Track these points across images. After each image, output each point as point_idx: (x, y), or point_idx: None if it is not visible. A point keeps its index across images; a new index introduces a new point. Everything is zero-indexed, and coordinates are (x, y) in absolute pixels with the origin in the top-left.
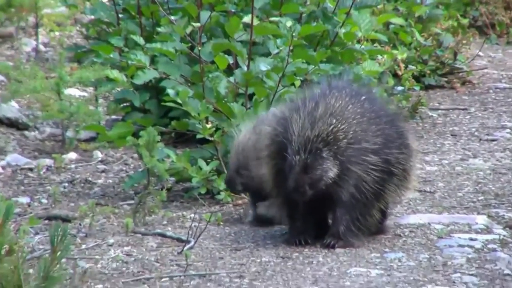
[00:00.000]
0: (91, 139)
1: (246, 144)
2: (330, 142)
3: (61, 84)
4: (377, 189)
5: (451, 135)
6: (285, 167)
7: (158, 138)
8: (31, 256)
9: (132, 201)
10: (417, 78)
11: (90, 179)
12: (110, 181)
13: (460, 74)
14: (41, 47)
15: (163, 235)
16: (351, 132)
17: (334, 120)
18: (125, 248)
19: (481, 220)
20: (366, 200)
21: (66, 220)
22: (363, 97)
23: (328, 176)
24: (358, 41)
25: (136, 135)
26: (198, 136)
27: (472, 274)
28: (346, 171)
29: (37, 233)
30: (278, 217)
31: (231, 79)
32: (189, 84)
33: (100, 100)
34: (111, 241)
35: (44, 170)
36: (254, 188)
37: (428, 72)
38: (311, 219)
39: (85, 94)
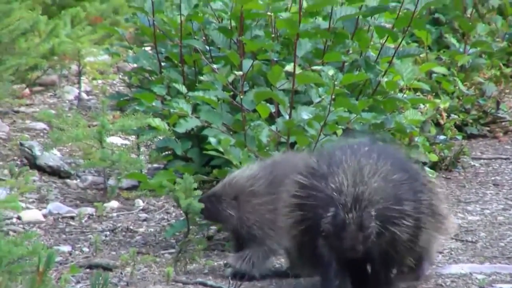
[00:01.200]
0: (133, 188)
1: (235, 183)
2: (374, 202)
3: (103, 132)
4: (410, 245)
5: (493, 184)
6: (326, 225)
7: (195, 185)
8: None
9: (173, 250)
10: (459, 127)
11: (131, 227)
12: (152, 229)
13: (503, 123)
14: (84, 95)
15: (204, 284)
16: (392, 192)
17: (379, 180)
18: None
19: None
20: (400, 256)
21: (107, 268)
22: (393, 154)
23: (374, 234)
24: (401, 90)
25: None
26: None
27: None
28: (384, 230)
29: (78, 282)
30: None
31: (273, 127)
32: (231, 132)
33: (142, 149)
34: None
35: (85, 218)
36: (220, 223)
37: (471, 121)
38: (345, 272)
39: (127, 142)
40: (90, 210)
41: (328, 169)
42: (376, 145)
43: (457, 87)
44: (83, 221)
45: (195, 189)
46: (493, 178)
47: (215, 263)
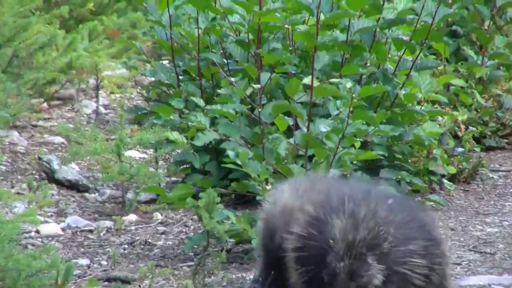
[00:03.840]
0: (151, 201)
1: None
2: (372, 246)
3: (121, 146)
4: None
5: None
6: (323, 275)
7: (218, 199)
8: None
9: (191, 263)
10: (478, 140)
11: (150, 240)
12: (170, 242)
13: None
14: (101, 109)
15: None
16: (393, 234)
17: (376, 223)
18: None
19: None
20: None
21: (125, 281)
22: (399, 201)
23: (373, 283)
24: (418, 103)
25: (196, 196)
26: (258, 198)
27: None
28: (392, 274)
29: None
30: None
31: (291, 140)
32: (249, 145)
33: (160, 162)
34: None
35: (104, 232)
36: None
37: (489, 133)
38: None
39: (145, 156)
40: (108, 223)
41: (325, 217)
42: (375, 190)
43: (475, 100)
44: (101, 234)
45: (217, 203)
46: (511, 190)
47: (233, 276)
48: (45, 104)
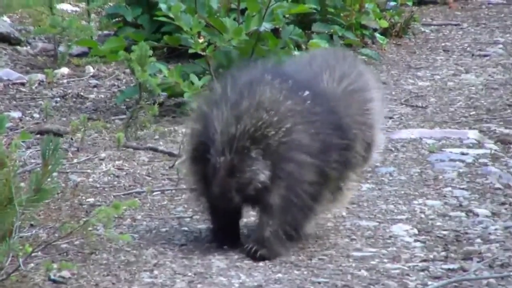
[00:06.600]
0: (83, 54)
1: None
2: (259, 140)
3: None
4: (316, 190)
5: (444, 50)
6: (207, 171)
7: (150, 52)
8: (23, 170)
9: (124, 116)
10: None
11: (82, 94)
12: (102, 96)
13: None
14: None
15: (154, 149)
16: (285, 126)
17: (264, 114)
18: (117, 162)
19: (472, 134)
20: (302, 203)
21: (58, 134)
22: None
23: (258, 179)
24: None
25: (128, 50)
26: (190, 51)
27: (463, 188)
28: (279, 171)
29: (28, 147)
30: None
31: None
32: None
33: (92, 15)
34: (103, 155)
35: (36, 85)
36: None
37: None
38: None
39: (77, 9)
40: (40, 76)
41: (208, 109)
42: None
43: None
44: (33, 87)
45: (149, 56)
46: (443, 44)
47: (166, 129)
48: None
